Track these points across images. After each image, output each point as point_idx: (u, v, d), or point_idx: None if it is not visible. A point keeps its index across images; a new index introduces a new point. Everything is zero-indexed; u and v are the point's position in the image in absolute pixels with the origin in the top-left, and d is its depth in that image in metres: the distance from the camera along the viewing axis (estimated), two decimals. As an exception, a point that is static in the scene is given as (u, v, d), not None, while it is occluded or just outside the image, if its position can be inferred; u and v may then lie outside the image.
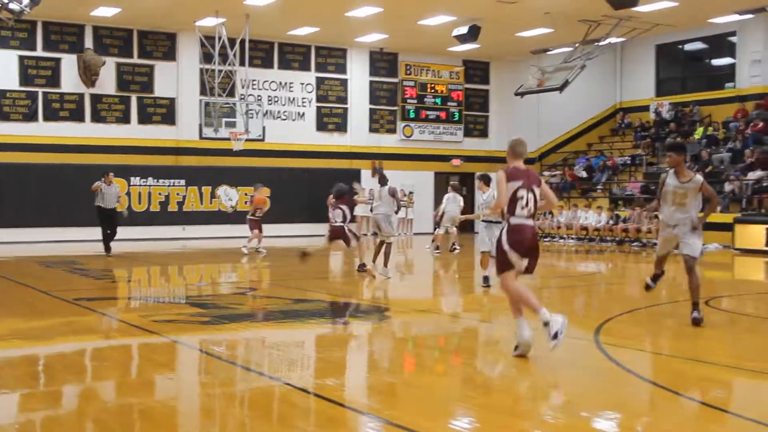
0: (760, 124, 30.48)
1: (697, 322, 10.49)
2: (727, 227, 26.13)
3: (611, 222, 29.68)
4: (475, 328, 11.32)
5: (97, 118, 29.11)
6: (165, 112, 30.26)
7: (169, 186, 29.10)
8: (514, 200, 8.46)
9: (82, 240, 27.30)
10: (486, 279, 14.48)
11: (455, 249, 22.95)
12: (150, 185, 28.71)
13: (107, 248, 21.22)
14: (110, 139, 29.15)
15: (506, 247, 8.52)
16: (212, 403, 7.24)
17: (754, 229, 25.14)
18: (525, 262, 8.60)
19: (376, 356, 9.65)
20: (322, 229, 31.45)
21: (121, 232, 28.02)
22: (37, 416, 6.70)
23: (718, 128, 32.73)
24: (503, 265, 8.61)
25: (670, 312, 12.96)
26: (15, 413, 6.86)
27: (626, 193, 31.31)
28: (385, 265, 16.23)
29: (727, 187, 27.88)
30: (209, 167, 30.32)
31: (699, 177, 11.17)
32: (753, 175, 27.67)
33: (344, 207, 16.12)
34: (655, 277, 11.78)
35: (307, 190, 31.37)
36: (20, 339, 9.96)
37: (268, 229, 30.31)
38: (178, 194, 29.72)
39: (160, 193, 29.24)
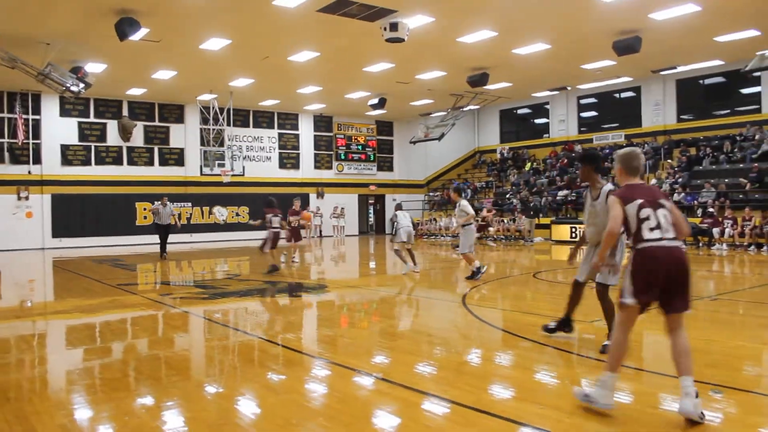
0: (565, 160, 31.21)
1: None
2: (547, 227, 26.76)
3: (474, 224, 29.99)
4: (388, 297, 11.36)
5: (131, 162, 28.62)
6: (177, 157, 29.83)
7: (180, 206, 28.77)
8: (638, 223, 4.69)
9: (122, 245, 26.90)
10: (475, 272, 12.54)
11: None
12: (155, 206, 28.58)
13: (163, 253, 20.09)
14: (140, 176, 28.73)
15: (627, 281, 4.68)
16: (212, 352, 7.16)
17: (563, 227, 25.71)
18: (653, 295, 4.66)
19: (320, 317, 9.64)
20: (283, 234, 31.60)
21: (149, 239, 27.79)
22: (94, 364, 6.57)
23: (539, 163, 33.34)
24: (628, 296, 4.68)
25: (513, 282, 13.19)
26: (78, 362, 6.72)
27: (483, 206, 31.72)
28: (414, 262, 14.50)
29: (546, 200, 28.44)
30: (207, 193, 30.06)
31: (608, 187, 6.99)
32: (562, 193, 28.30)
33: (278, 215, 15.84)
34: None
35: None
36: (80, 312, 9.75)
37: (250, 234, 30.33)
38: (187, 212, 29.50)
39: (174, 212, 28.95)
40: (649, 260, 4.61)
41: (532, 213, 27.64)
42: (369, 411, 4.87)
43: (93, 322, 9.00)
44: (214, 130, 28.60)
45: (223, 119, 28.52)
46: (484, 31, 18.78)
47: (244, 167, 30.00)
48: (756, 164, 22.85)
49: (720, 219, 21.38)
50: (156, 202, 20.85)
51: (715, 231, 21.09)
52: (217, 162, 28.77)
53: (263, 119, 32.47)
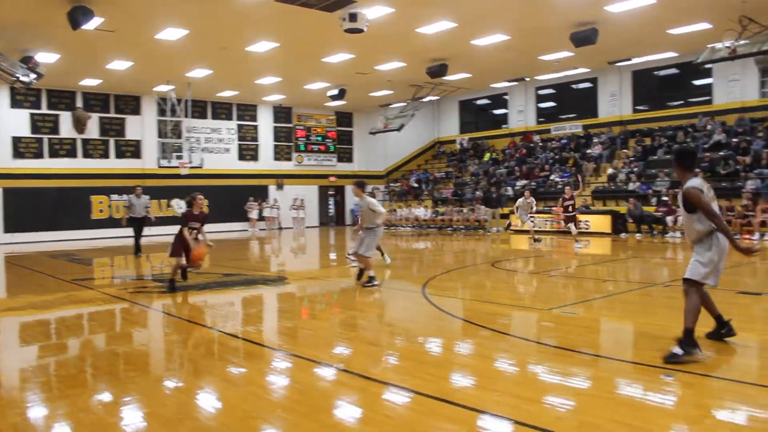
0: (524, 151, 31.54)
1: None
2: (506, 216, 27.01)
3: (433, 215, 30.21)
4: (349, 289, 11.35)
5: (86, 154, 27.89)
6: (133, 150, 29.20)
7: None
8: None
9: (78, 239, 26.38)
10: (371, 278, 10.67)
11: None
12: (124, 200, 27.71)
13: (138, 250, 18.22)
14: (95, 169, 28.04)
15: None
16: (171, 347, 7.08)
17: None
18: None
19: (281, 309, 9.59)
20: (241, 226, 31.36)
21: (105, 233, 27.30)
22: (48, 361, 6.43)
23: (498, 154, 33.62)
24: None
25: (473, 271, 13.30)
26: (32, 359, 6.57)
27: (442, 196, 31.88)
28: (383, 253, 14.12)
29: (508, 191, 28.69)
30: (165, 186, 29.53)
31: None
32: (520, 183, 28.59)
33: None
34: None
35: (232, 200, 31.34)
36: (33, 308, 9.54)
37: (206, 227, 29.81)
38: (125, 206, 28.94)
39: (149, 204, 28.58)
40: None
41: (495, 203, 27.89)
42: (329, 402, 4.87)
43: (47, 319, 8.81)
44: (171, 121, 28.17)
45: (181, 111, 28.10)
46: (443, 22, 18.83)
47: (202, 159, 29.56)
48: (708, 154, 23.41)
49: (673, 207, 21.86)
50: (122, 195, 19.77)
51: (669, 219, 21.56)
52: (175, 154, 28.43)
53: (222, 110, 32.08)
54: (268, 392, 5.19)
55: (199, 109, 30.85)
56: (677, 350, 5.59)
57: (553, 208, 21.42)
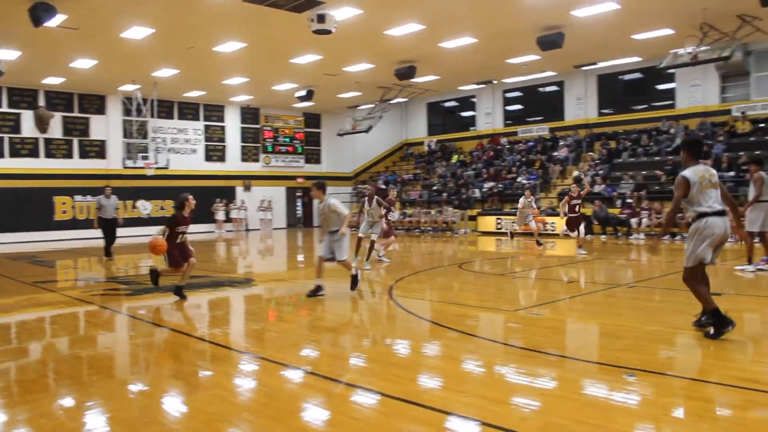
0: (491, 153, 31.78)
1: None
2: (474, 218, 27.19)
3: (401, 217, 30.28)
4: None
5: (49, 154, 27.39)
6: (98, 150, 28.77)
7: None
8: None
9: (40, 241, 25.90)
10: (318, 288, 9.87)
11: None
12: (89, 201, 27.27)
13: (108, 253, 17.26)
14: (58, 170, 27.54)
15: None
16: (136, 350, 6.99)
17: (489, 219, 26.18)
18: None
19: (247, 312, 9.53)
20: (208, 227, 31.09)
21: (69, 234, 26.84)
22: (8, 366, 6.29)
23: (466, 156, 33.81)
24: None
25: (441, 273, 13.35)
26: (-10, 365, 6.43)
27: (410, 198, 31.96)
28: (368, 258, 13.97)
29: (476, 193, 28.88)
30: (131, 187, 29.15)
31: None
32: (487, 185, 28.81)
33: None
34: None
35: (199, 202, 30.78)
36: (-6, 312, 9.34)
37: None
38: (96, 207, 28.50)
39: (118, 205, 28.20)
40: None
41: (464, 205, 28.04)
42: (296, 404, 4.85)
43: (7, 322, 8.62)
44: (137, 121, 27.80)
45: (147, 111, 27.75)
46: (411, 24, 18.89)
47: (168, 160, 29.23)
48: (670, 157, 23.84)
49: (638, 210, 22.22)
50: (86, 196, 19.09)
51: (633, 221, 21.91)
52: (140, 154, 28.05)
53: (188, 111, 31.76)
54: (234, 395, 5.15)
55: (165, 109, 30.55)
56: (711, 332, 6.38)
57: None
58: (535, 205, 20.04)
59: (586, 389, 5.09)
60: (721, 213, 6.46)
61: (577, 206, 16.76)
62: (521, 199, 19.94)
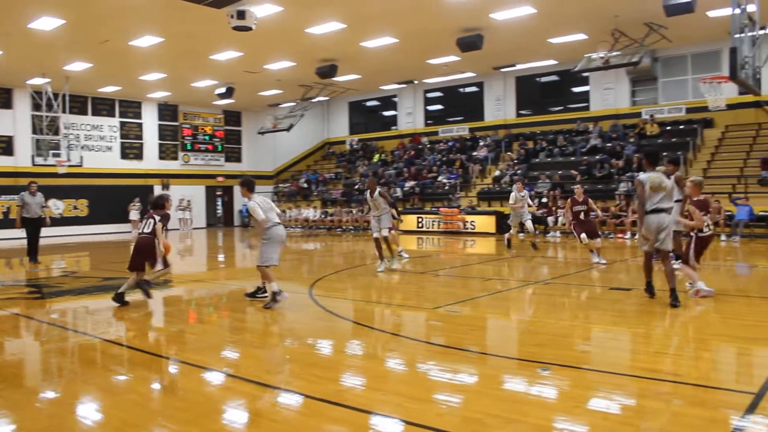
0: (412, 152, 32.09)
1: None
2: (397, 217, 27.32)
3: (323, 216, 30.21)
4: (236, 291, 11.15)
5: (-51, 150, 26.07)
6: (5, 146, 27.52)
7: (9, 200, 26.47)
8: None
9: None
10: (276, 294, 8.83)
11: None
12: (16, 198, 26.21)
13: (33, 258, 15.82)
14: (-39, 166, 26.20)
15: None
16: (46, 356, 6.72)
17: (410, 218, 26.42)
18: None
19: (165, 314, 9.30)
20: (125, 227, 30.15)
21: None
22: None
23: (388, 155, 34.01)
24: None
25: (361, 272, 13.38)
26: None
27: (332, 197, 31.92)
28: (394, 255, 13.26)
29: (398, 192, 29.07)
30: (41, 185, 27.83)
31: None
32: (409, 184, 29.08)
33: (156, 218, 9.81)
34: None
35: (114, 201, 30.09)
36: None
37: (85, 229, 28.61)
38: (18, 205, 27.24)
39: (2, 206, 26.79)
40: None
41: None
42: (214, 407, 4.77)
43: None
44: (47, 117, 26.66)
45: (58, 106, 26.62)
46: (332, 22, 18.87)
47: (82, 157, 28.16)
48: (585, 157, 24.70)
49: (554, 208, 22.90)
50: (27, 190, 17.22)
51: (550, 219, 22.57)
52: (51, 151, 26.88)
53: (103, 107, 30.72)
54: (149, 400, 5.02)
55: (78, 105, 29.48)
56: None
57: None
58: (530, 201, 17.23)
59: (503, 384, 5.22)
60: (657, 211, 7.93)
61: (582, 212, 13.94)
62: (513, 194, 16.47)
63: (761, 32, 13.28)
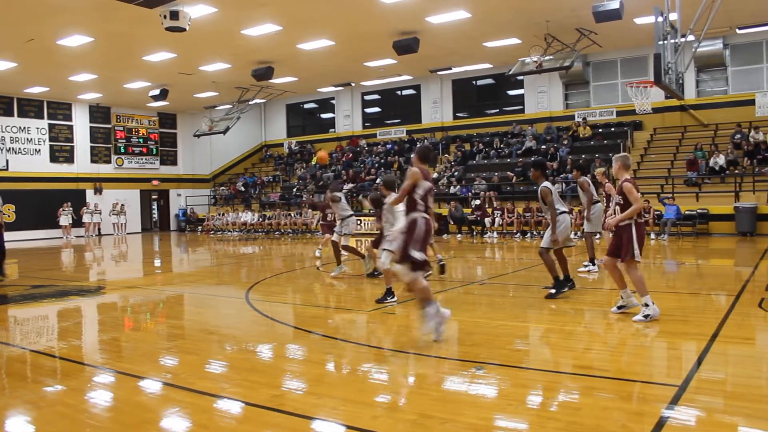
0: (350, 155, 32.12)
1: None
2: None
3: (261, 219, 29.93)
4: (173, 297, 10.95)
5: None
6: (-76, 149, 26.40)
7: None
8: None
9: None
10: None
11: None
12: None
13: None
14: None
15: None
16: (-34, 368, 6.44)
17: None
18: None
19: (99, 322, 9.05)
20: (55, 233, 29.23)
21: None
22: None
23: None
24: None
25: (300, 276, 13.32)
26: None
27: (270, 200, 31.67)
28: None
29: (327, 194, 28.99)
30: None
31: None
32: (347, 187, 29.07)
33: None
34: None
35: (43, 206, 29.10)
36: None
37: (13, 235, 27.57)
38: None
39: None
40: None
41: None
42: (148, 416, 4.67)
43: None
44: (-31, 119, 25.68)
45: (-19, 107, 25.69)
46: (268, 24, 18.74)
47: (7, 161, 27.26)
48: (521, 159, 25.20)
49: (490, 210, 23.27)
50: None
51: (487, 220, 22.92)
52: (-26, 155, 25.93)
53: (30, 108, 29.70)
54: (78, 411, 4.88)
55: (3, 106, 28.48)
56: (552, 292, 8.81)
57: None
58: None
59: (438, 385, 5.28)
60: (564, 212, 9.00)
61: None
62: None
63: (683, 39, 13.83)
